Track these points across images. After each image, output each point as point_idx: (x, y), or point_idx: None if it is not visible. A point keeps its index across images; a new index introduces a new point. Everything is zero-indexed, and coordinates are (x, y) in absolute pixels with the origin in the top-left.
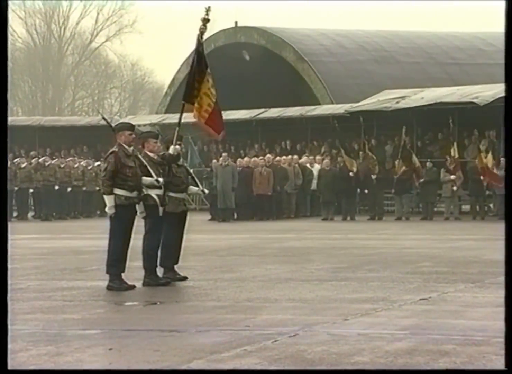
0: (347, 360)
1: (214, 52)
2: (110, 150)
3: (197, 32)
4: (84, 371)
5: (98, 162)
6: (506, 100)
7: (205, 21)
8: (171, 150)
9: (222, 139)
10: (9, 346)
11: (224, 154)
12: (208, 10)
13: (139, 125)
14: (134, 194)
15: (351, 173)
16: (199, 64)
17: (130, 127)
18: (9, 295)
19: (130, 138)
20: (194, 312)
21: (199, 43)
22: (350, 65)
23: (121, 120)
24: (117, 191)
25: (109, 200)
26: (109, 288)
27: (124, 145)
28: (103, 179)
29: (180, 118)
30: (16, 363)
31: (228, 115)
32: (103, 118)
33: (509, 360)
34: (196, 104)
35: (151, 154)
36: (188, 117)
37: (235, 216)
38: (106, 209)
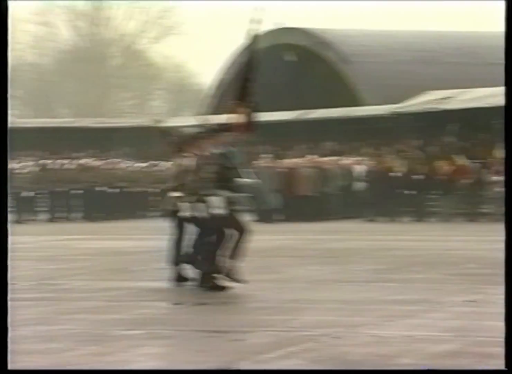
0: (391, 362)
1: (257, 53)
2: (217, 152)
3: (246, 33)
4: (84, 371)
5: (142, 164)
6: (506, 101)
7: (255, 22)
8: (220, 150)
9: (261, 139)
10: (48, 345)
11: (266, 155)
12: (258, 11)
13: (183, 127)
14: (232, 194)
15: (394, 174)
16: (250, 64)
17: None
18: (9, 295)
19: (221, 141)
20: (238, 312)
21: (250, 44)
22: (394, 66)
23: (208, 123)
24: (222, 192)
25: (217, 201)
26: (202, 286)
27: (228, 146)
28: (211, 181)
29: (228, 119)
30: (63, 362)
31: (271, 116)
32: (197, 121)
33: (509, 360)
34: (241, 103)
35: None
36: (232, 118)
37: (278, 217)
38: (214, 210)
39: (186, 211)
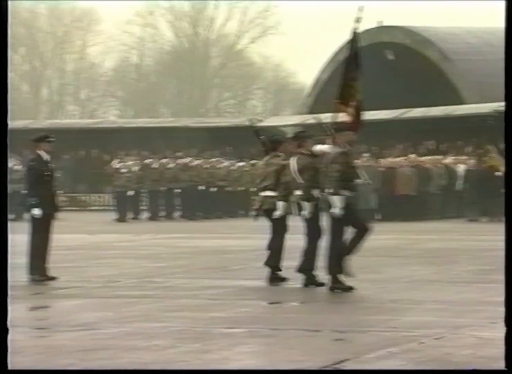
0: (496, 364)
1: (359, 52)
2: (340, 151)
3: (350, 32)
4: (84, 371)
5: (242, 163)
6: (506, 102)
7: (357, 21)
8: (327, 148)
9: (360, 139)
10: (151, 342)
11: (365, 154)
12: (360, 10)
13: (282, 126)
14: (352, 194)
15: (497, 173)
16: (354, 63)
17: (345, 127)
18: (100, 293)
19: (353, 138)
20: (338, 312)
21: (353, 42)
22: (497, 63)
23: (322, 122)
24: (344, 192)
25: (340, 201)
26: (332, 288)
27: (347, 145)
28: (337, 180)
29: (334, 118)
30: (164, 359)
31: (371, 115)
32: (316, 120)
33: (509, 360)
34: (352, 102)
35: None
36: (339, 117)
37: (378, 217)
38: (335, 210)
39: (285, 209)
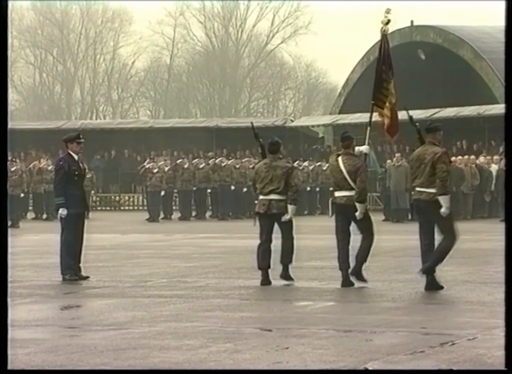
0: None
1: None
2: (442, 150)
3: (380, 33)
4: (84, 371)
5: None
6: (506, 101)
7: (387, 22)
8: (365, 149)
9: (396, 139)
10: (183, 342)
11: (397, 154)
12: (388, 11)
13: (312, 126)
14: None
15: None
16: (387, 64)
17: (440, 126)
18: (133, 292)
19: (441, 137)
20: (369, 312)
21: (384, 44)
22: None
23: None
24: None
25: (447, 200)
26: (428, 288)
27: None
28: (446, 180)
29: (370, 118)
30: (195, 359)
31: (403, 115)
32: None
33: (509, 360)
34: (387, 104)
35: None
36: (358, 118)
37: (410, 217)
38: (443, 209)
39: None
